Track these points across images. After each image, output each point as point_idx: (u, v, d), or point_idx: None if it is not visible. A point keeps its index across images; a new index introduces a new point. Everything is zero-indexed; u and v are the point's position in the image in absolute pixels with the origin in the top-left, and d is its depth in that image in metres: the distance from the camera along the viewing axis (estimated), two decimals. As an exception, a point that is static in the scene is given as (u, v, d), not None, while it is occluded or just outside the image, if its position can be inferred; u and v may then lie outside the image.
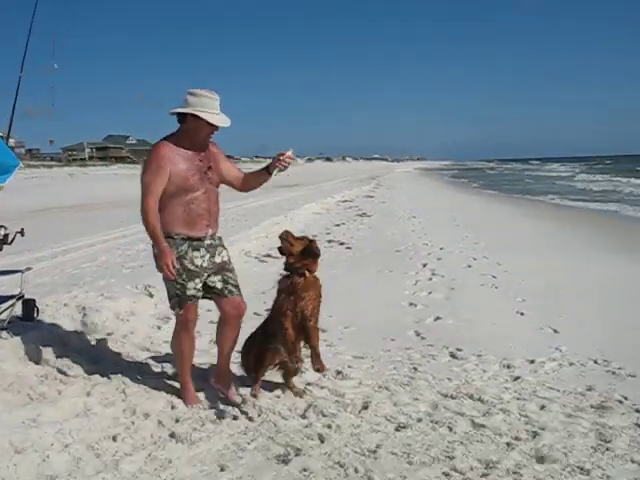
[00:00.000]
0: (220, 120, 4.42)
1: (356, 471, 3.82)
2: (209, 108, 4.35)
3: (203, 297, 4.70)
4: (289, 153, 4.54)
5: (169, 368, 5.45)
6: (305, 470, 3.82)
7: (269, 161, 4.75)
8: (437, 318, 7.68)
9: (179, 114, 4.42)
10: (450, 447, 4.17)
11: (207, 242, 4.56)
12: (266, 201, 23.13)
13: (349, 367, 5.60)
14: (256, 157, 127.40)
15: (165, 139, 4.47)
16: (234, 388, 4.87)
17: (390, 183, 45.84)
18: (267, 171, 4.69)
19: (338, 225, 17.07)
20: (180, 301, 4.54)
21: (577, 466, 3.93)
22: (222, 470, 3.84)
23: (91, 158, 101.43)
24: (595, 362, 6.01)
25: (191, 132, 4.42)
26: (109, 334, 6.08)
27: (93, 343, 5.80)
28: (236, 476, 3.76)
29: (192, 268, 4.46)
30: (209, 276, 4.61)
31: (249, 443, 4.17)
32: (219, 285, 4.65)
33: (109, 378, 4.98)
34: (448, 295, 8.98)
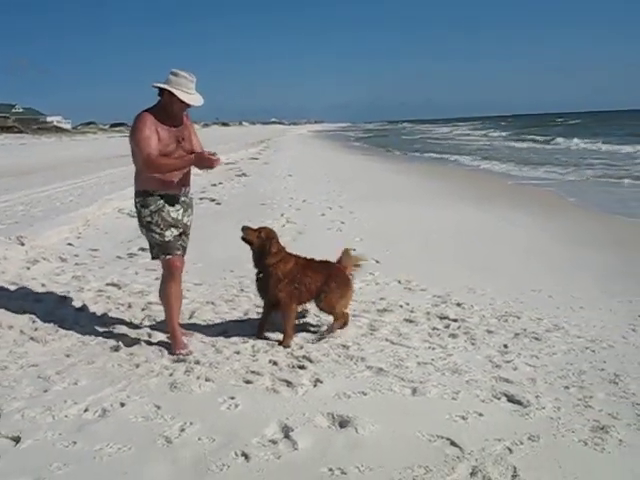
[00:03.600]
0: (191, 99, 4.96)
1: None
2: (184, 87, 4.90)
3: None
4: (218, 157, 5.01)
5: (32, 295, 6.64)
6: (131, 354, 5.12)
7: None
8: (276, 254, 9.00)
9: (160, 89, 4.98)
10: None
11: (182, 199, 5.21)
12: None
13: (187, 290, 6.81)
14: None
15: (148, 109, 5.01)
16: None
17: (279, 145, 46.88)
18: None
19: (215, 185, 18.01)
20: (161, 248, 5.11)
21: (342, 344, 5.37)
22: (68, 357, 5.09)
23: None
24: (399, 282, 7.54)
25: (167, 106, 4.97)
26: (-18, 275, 7.14)
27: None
28: (78, 360, 5.02)
29: (168, 219, 5.08)
30: (180, 237, 5.23)
31: (92, 340, 5.44)
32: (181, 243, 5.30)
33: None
34: (295, 237, 10.31)
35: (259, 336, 5.50)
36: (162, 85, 4.92)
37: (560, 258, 9.07)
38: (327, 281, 5.58)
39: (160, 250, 5.14)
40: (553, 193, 16.88)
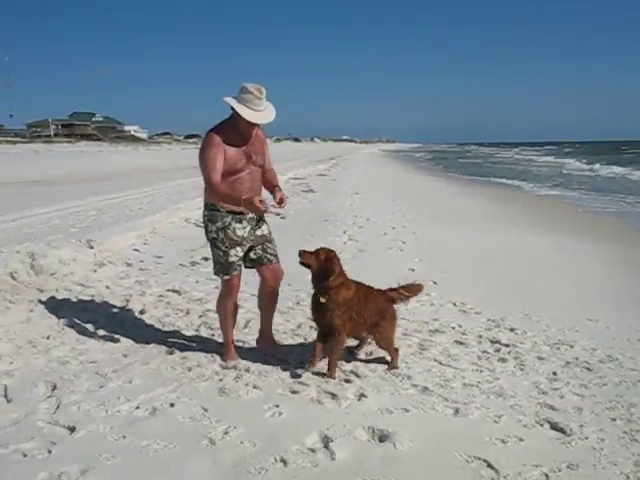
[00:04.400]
0: (255, 116, 4.82)
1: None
2: (250, 103, 4.77)
3: (246, 267, 5.29)
4: (269, 206, 4.83)
5: (97, 296, 6.96)
6: (184, 358, 5.32)
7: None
8: (334, 272, 9.12)
9: None
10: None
11: (249, 216, 5.07)
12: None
13: (244, 300, 6.94)
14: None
15: (217, 126, 4.95)
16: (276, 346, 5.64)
17: (349, 163, 47.19)
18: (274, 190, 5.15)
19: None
20: (223, 267, 5.08)
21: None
22: (125, 356, 5.32)
23: (56, 135, 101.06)
24: (454, 304, 7.55)
25: (236, 121, 4.87)
26: (52, 274, 7.49)
27: (38, 279, 7.26)
28: (134, 360, 5.25)
29: (234, 237, 5.01)
30: (251, 248, 5.21)
31: (149, 342, 5.66)
32: (260, 254, 5.25)
33: (50, 298, 6.48)
34: (355, 255, 10.43)
35: (312, 363, 5.04)
36: (229, 101, 4.84)
37: (620, 288, 8.88)
38: (383, 314, 5.25)
39: (220, 269, 5.12)
40: (620, 223, 16.47)
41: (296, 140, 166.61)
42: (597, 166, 46.71)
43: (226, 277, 5.14)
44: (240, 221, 5.04)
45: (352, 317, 5.06)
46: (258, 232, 5.21)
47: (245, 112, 4.79)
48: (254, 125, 4.92)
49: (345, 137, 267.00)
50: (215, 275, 5.27)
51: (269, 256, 5.30)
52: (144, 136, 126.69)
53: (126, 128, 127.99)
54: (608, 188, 28.39)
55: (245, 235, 5.07)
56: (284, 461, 3.67)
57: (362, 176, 32.08)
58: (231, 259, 5.04)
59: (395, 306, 5.43)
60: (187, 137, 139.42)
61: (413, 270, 9.42)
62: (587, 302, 7.94)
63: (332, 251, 5.13)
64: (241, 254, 5.10)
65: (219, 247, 5.05)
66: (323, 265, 4.99)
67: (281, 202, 5.02)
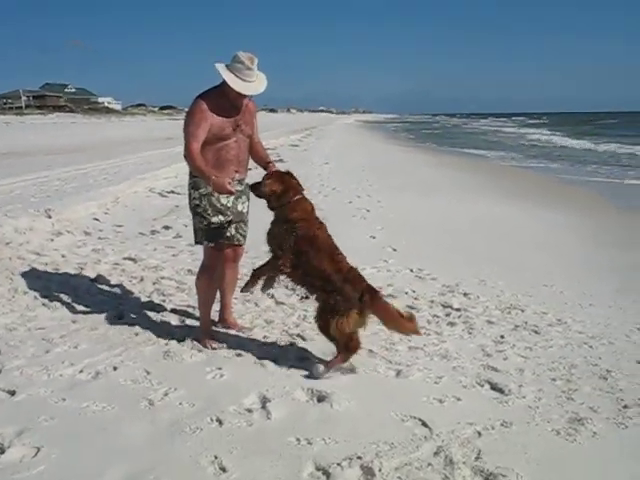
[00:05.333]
0: (243, 87, 4.68)
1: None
2: (240, 73, 4.65)
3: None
4: (233, 188, 4.70)
5: (50, 265, 6.94)
6: (133, 323, 5.33)
7: None
8: (296, 240, 9.14)
9: None
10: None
11: (235, 187, 4.85)
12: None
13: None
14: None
15: (206, 92, 4.80)
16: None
17: (322, 134, 46.96)
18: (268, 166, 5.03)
19: (249, 169, 18.16)
20: (206, 234, 4.94)
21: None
22: (74, 322, 5.32)
23: (28, 107, 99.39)
24: (411, 270, 7.62)
25: (226, 89, 4.72)
26: (7, 243, 7.43)
27: (-9, 247, 7.24)
28: (82, 326, 5.26)
29: (217, 205, 4.89)
30: (229, 224, 5.00)
31: (99, 309, 5.66)
32: (232, 232, 5.03)
33: (2, 267, 6.48)
34: (317, 223, 10.45)
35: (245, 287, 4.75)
36: (219, 69, 4.70)
37: (579, 255, 9.05)
38: (342, 291, 4.39)
39: (203, 235, 4.97)
40: (593, 193, 16.61)
41: (272, 111, 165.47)
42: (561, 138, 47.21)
43: (211, 244, 5.00)
44: None
45: (296, 251, 4.49)
46: (239, 207, 5.07)
47: (234, 82, 4.67)
48: (244, 95, 4.77)
49: (322, 108, 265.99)
50: (197, 244, 5.13)
51: (239, 237, 5.13)
52: (118, 107, 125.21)
53: (100, 100, 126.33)
54: (579, 159, 28.67)
55: (229, 205, 4.95)
56: (220, 421, 3.71)
57: (334, 147, 31.94)
58: (214, 225, 4.91)
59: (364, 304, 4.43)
60: (162, 108, 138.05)
61: (374, 237, 9.50)
62: (545, 269, 8.08)
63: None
64: (224, 221, 4.95)
65: (200, 214, 4.93)
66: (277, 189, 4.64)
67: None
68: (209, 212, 4.90)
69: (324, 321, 4.41)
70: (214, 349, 4.85)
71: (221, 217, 4.93)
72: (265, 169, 5.06)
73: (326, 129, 58.07)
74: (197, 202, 4.94)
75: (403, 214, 11.66)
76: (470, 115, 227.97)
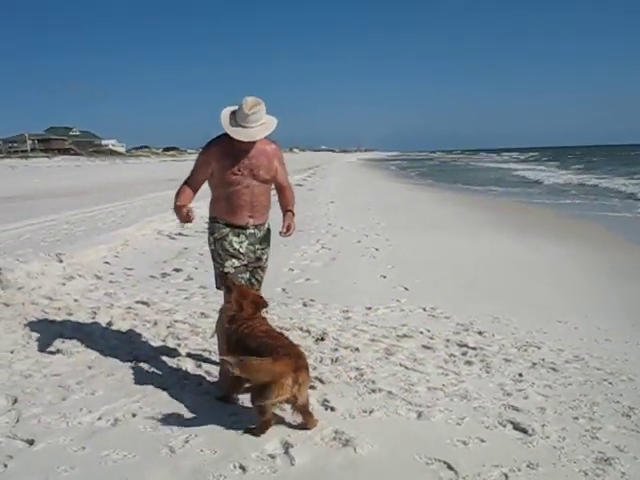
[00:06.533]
0: (233, 131, 4.64)
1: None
2: (238, 118, 4.62)
3: None
4: (289, 232, 5.03)
5: (64, 309, 6.91)
6: (150, 368, 5.29)
7: None
8: (307, 279, 9.16)
9: None
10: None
11: (249, 231, 4.90)
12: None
13: (214, 310, 6.93)
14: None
15: (217, 137, 4.79)
16: None
17: (326, 173, 47.28)
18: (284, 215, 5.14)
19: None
20: (222, 279, 4.88)
21: (356, 367, 5.44)
22: (90, 368, 5.29)
23: (33, 150, 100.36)
24: (424, 309, 7.56)
25: None
26: (19, 288, 7.44)
27: (5, 293, 7.21)
28: (99, 371, 5.23)
29: (230, 249, 4.84)
30: (245, 268, 4.97)
31: (115, 354, 5.64)
32: (247, 277, 4.99)
33: (16, 313, 6.45)
34: (327, 263, 10.48)
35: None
36: (222, 113, 4.70)
37: (591, 290, 9.00)
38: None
39: (220, 281, 4.91)
40: (596, 226, 16.63)
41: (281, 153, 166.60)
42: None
43: None
44: (238, 235, 4.87)
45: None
46: (258, 253, 5.02)
47: (227, 126, 4.66)
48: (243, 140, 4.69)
49: (324, 147, 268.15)
50: (218, 289, 5.05)
51: (255, 282, 5.10)
52: (122, 150, 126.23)
53: (104, 142, 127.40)
54: (574, 194, 28.77)
55: (242, 250, 4.88)
56: (243, 467, 3.65)
57: (339, 185, 32.17)
58: (226, 269, 4.84)
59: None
60: (165, 150, 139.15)
61: (385, 277, 9.47)
62: (557, 304, 8.05)
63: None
64: (238, 265, 4.87)
65: (215, 259, 4.92)
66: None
67: (287, 229, 5.02)
68: (222, 256, 4.86)
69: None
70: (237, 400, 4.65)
71: (235, 261, 4.87)
72: (283, 216, 5.12)
73: (329, 168, 58.50)
74: (212, 247, 4.94)
75: (412, 252, 11.67)
76: (465, 151, 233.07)
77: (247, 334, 4.42)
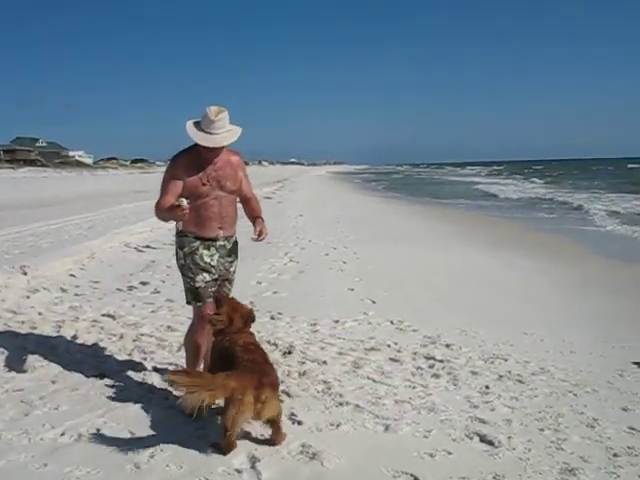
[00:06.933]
0: (199, 137, 4.60)
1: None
2: (203, 125, 4.60)
3: None
4: (262, 237, 4.99)
5: (27, 323, 6.81)
6: (115, 383, 5.22)
7: None
8: (274, 292, 9.13)
9: None
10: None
11: (219, 243, 4.87)
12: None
13: (181, 324, 6.89)
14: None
15: (182, 151, 4.78)
16: None
17: (295, 186, 47.33)
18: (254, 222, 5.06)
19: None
20: (192, 294, 4.85)
21: (324, 380, 5.42)
22: (53, 383, 5.20)
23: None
24: (391, 322, 7.57)
25: (197, 146, 4.67)
26: (-18, 302, 7.32)
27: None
28: (63, 386, 5.15)
29: (201, 263, 4.79)
30: (215, 282, 4.92)
31: (79, 368, 5.55)
32: (214, 290, 4.91)
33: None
34: (295, 276, 10.45)
35: None
36: (187, 124, 4.68)
37: (559, 303, 9.09)
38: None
39: (191, 296, 4.88)
40: (565, 239, 16.84)
41: (244, 164, 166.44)
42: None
43: (198, 304, 4.87)
44: (208, 247, 4.82)
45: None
46: (227, 265, 4.99)
47: (194, 134, 4.62)
48: (212, 148, 4.65)
49: (293, 160, 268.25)
50: (187, 304, 5.03)
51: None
52: (89, 161, 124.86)
53: (71, 153, 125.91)
54: (544, 207, 29.17)
55: (213, 263, 4.85)
56: (209, 483, 3.62)
57: (308, 198, 32.21)
58: (197, 284, 4.80)
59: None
60: (133, 162, 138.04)
61: (352, 290, 9.48)
62: (525, 317, 8.11)
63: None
64: (209, 280, 4.84)
65: (186, 274, 4.85)
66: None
67: (259, 234, 4.98)
68: (193, 271, 4.81)
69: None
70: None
71: (206, 275, 4.83)
72: (253, 224, 5.06)
73: (298, 181, 58.59)
74: (182, 262, 4.88)
75: (381, 265, 11.71)
76: (430, 165, 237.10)
77: (226, 347, 4.41)
